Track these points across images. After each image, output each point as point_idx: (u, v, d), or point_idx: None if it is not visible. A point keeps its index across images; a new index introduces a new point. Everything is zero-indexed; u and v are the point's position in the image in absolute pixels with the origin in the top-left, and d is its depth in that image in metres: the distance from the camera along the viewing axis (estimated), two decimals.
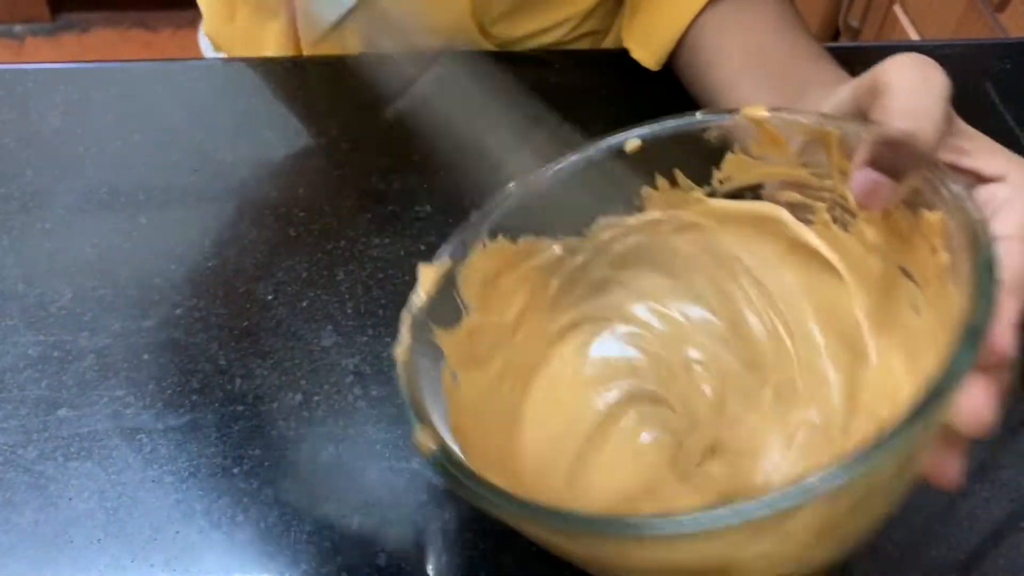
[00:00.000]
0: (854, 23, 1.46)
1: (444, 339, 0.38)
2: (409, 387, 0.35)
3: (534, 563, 0.41)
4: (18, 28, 2.01)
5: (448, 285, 0.39)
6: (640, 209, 0.43)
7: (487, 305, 0.41)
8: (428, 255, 0.53)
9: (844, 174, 0.39)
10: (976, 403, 0.29)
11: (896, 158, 0.35)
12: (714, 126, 0.41)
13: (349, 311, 0.50)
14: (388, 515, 0.42)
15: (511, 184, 0.41)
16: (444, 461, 0.32)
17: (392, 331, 0.49)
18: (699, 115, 0.41)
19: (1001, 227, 0.33)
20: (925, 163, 0.34)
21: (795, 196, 0.42)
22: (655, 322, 0.45)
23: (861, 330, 0.41)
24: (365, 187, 0.57)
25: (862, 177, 0.35)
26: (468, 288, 0.40)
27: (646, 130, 0.41)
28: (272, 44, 0.71)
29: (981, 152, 0.36)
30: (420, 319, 0.38)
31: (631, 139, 0.41)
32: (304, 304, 0.50)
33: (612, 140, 0.41)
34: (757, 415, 0.41)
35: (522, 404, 0.42)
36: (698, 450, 0.40)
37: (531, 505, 0.30)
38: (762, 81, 0.51)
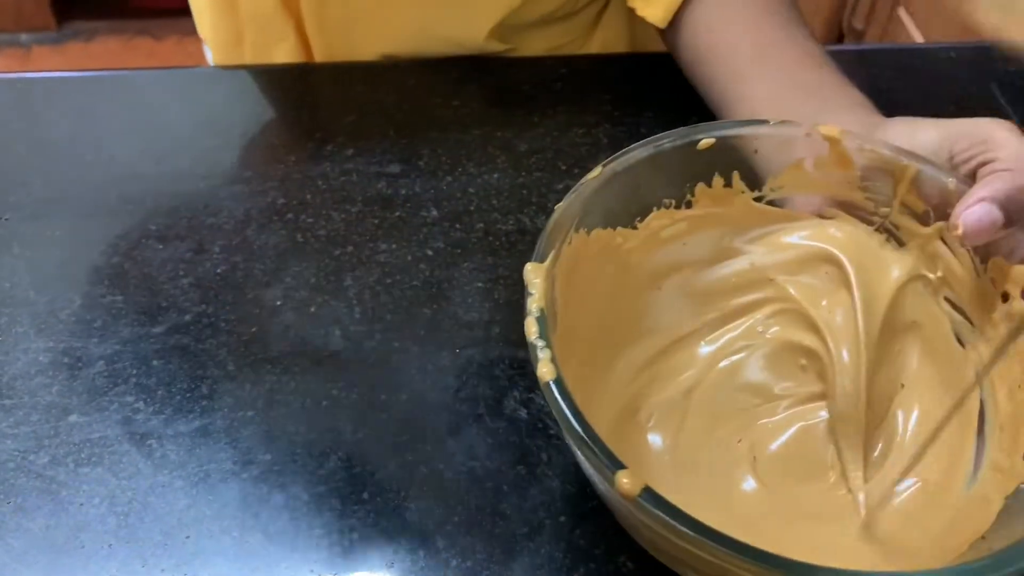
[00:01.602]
0: (858, 25, 1.46)
1: (555, 346, 0.36)
2: (578, 415, 0.32)
3: (540, 570, 0.41)
4: (24, 37, 2.02)
5: (551, 285, 0.37)
6: (689, 204, 0.44)
7: (567, 301, 0.39)
8: (435, 260, 0.54)
9: (905, 205, 0.41)
10: None
11: (1016, 208, 0.37)
12: (785, 136, 0.42)
13: (357, 316, 0.50)
14: (398, 518, 0.43)
15: (592, 174, 0.40)
16: (651, 503, 0.31)
17: (400, 335, 0.50)
18: (773, 123, 0.42)
19: None
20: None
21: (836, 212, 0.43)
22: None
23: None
24: (372, 193, 0.57)
25: (981, 211, 0.36)
26: (559, 286, 0.38)
27: (719, 130, 0.42)
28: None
29: None
30: (543, 326, 0.35)
31: (705, 136, 0.41)
32: (312, 309, 0.51)
33: (686, 135, 0.41)
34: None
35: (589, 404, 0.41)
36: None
37: (744, 547, 0.30)
38: (769, 79, 0.51)
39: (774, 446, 0.42)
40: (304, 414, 0.46)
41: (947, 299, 0.41)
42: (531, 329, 0.35)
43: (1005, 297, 0.38)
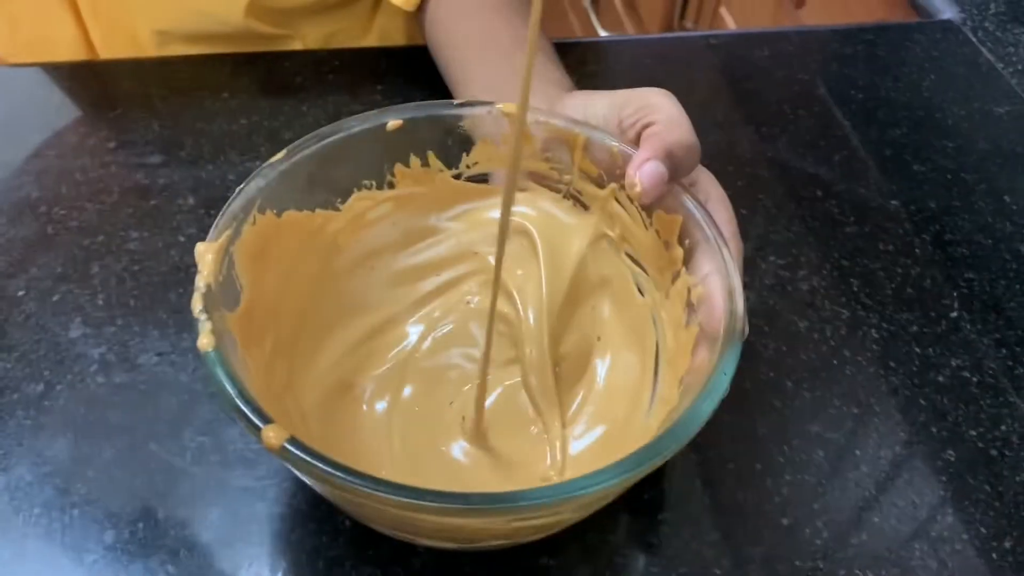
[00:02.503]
0: (689, 24, 1.52)
1: (232, 322, 0.37)
2: (233, 380, 0.33)
3: (261, 525, 0.42)
4: None
5: (228, 264, 0.38)
6: (392, 185, 0.46)
7: (257, 281, 0.40)
8: (186, 245, 0.54)
9: (583, 171, 0.44)
10: None
11: (672, 163, 0.40)
12: (469, 115, 0.44)
13: (100, 303, 0.51)
14: (121, 496, 0.43)
15: (277, 156, 0.41)
16: (297, 450, 0.32)
17: (142, 320, 0.50)
18: (457, 103, 0.44)
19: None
20: (683, 174, 0.41)
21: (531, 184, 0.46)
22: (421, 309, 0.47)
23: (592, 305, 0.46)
24: (130, 183, 0.57)
25: (652, 168, 0.40)
26: (241, 265, 0.39)
27: (408, 112, 0.43)
28: (65, 54, 0.71)
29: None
30: (210, 301, 0.36)
31: (393, 118, 0.43)
32: (55, 298, 0.51)
33: (375, 118, 0.43)
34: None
35: (294, 382, 0.42)
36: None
37: (390, 484, 0.31)
38: (488, 65, 0.54)
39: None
40: (35, 400, 0.46)
41: (627, 254, 0.44)
42: (196, 304, 0.36)
43: (667, 246, 0.41)
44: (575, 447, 0.43)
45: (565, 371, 0.44)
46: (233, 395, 0.33)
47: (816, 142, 0.65)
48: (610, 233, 0.44)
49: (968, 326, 0.53)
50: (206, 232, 0.55)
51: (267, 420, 0.33)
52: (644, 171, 0.40)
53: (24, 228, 0.54)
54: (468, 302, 0.46)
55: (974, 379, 0.51)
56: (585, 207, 0.45)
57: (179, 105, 0.63)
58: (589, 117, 0.43)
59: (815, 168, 0.64)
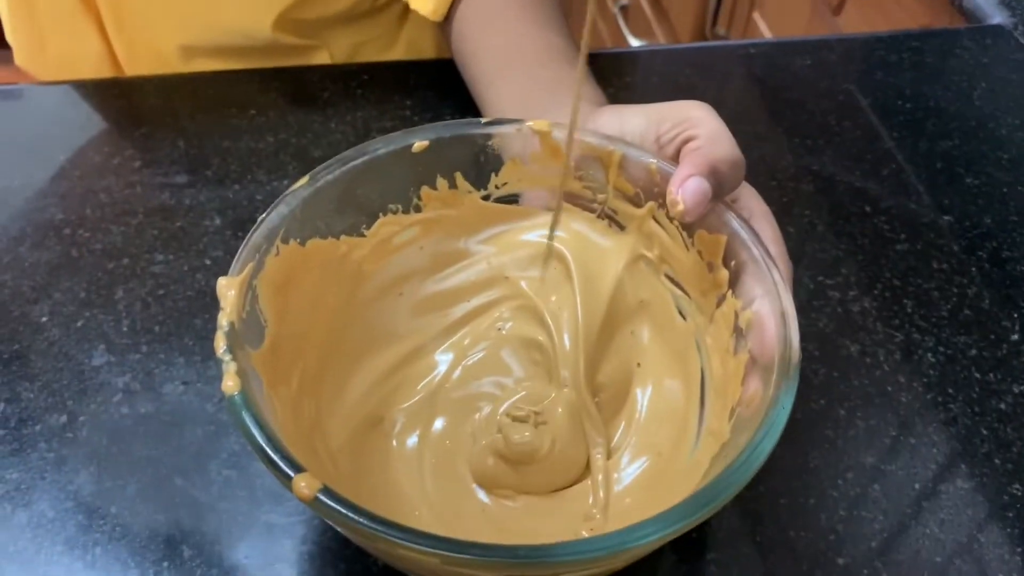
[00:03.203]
0: (721, 31, 1.49)
1: (257, 360, 0.35)
2: (260, 426, 0.31)
3: (295, 566, 0.41)
4: None
5: (252, 299, 0.36)
6: (419, 208, 0.44)
7: (281, 315, 0.38)
8: (213, 269, 0.53)
9: (618, 190, 0.42)
10: None
11: (716, 179, 0.38)
12: (497, 133, 0.42)
13: (124, 329, 0.49)
14: (145, 532, 0.42)
15: (300, 183, 0.39)
16: (331, 502, 0.30)
17: (167, 347, 0.49)
18: (484, 122, 0.42)
19: None
20: (727, 191, 0.39)
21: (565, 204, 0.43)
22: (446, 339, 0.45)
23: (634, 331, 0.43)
24: (155, 204, 0.56)
25: (695, 185, 0.37)
26: (265, 299, 0.37)
27: (433, 132, 0.41)
28: (91, 69, 0.70)
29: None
30: (234, 340, 0.34)
31: (418, 139, 0.41)
32: (79, 324, 0.49)
33: (400, 140, 0.41)
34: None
35: (322, 419, 0.40)
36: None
37: (430, 537, 0.29)
38: (516, 79, 0.52)
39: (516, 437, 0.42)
40: (58, 431, 0.45)
41: (667, 275, 0.42)
42: (219, 343, 0.34)
43: (711, 267, 0.39)
44: (618, 482, 0.40)
45: (605, 400, 0.42)
46: (262, 442, 0.31)
47: (862, 155, 0.63)
48: (648, 254, 0.42)
49: None
50: (233, 254, 0.53)
51: (298, 468, 0.31)
52: (687, 188, 0.37)
53: (48, 251, 0.53)
54: (499, 328, 0.44)
55: None
56: (621, 227, 0.43)
57: (205, 123, 0.62)
58: (624, 133, 0.41)
59: (862, 182, 0.61)
